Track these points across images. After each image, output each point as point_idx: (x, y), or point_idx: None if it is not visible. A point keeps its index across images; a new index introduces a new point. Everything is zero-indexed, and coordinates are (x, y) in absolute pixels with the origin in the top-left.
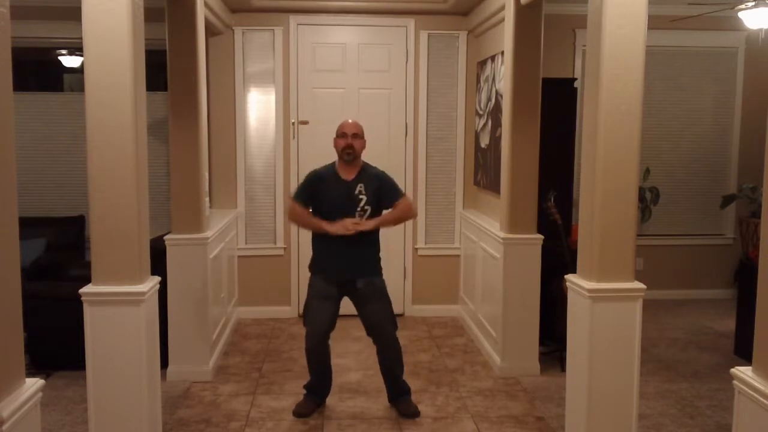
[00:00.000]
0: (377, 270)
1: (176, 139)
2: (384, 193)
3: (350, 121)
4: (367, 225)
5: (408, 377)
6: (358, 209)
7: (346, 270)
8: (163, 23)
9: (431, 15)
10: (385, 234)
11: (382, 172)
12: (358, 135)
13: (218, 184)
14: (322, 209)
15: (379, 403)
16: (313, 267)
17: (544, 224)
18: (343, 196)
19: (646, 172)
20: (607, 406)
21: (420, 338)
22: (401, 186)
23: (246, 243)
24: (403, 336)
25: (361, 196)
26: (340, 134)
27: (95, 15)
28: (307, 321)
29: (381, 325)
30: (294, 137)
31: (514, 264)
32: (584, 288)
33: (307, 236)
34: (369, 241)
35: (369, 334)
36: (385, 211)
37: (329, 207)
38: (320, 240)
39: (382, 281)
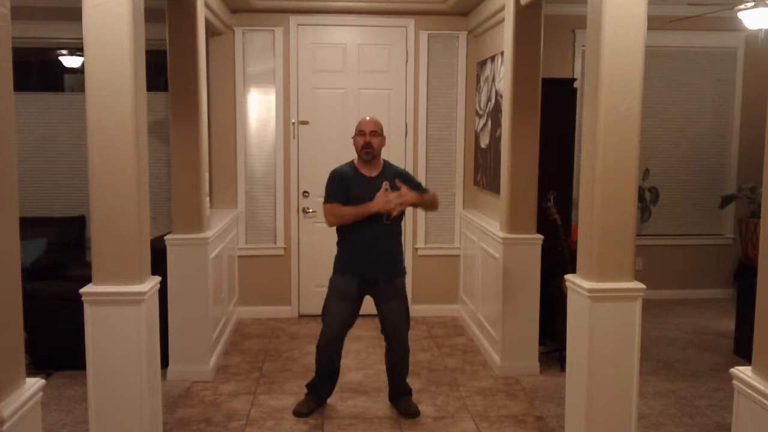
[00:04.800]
0: (402, 270)
1: (176, 139)
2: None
3: (368, 118)
4: (410, 196)
5: (408, 377)
6: None
7: (374, 269)
8: (163, 23)
9: (431, 15)
10: None
11: (404, 169)
12: (377, 132)
13: (218, 184)
14: None
15: (379, 402)
16: (336, 265)
17: (544, 224)
18: (371, 194)
19: (646, 172)
20: (607, 405)
21: (420, 338)
22: None
23: (246, 243)
24: None
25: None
26: (359, 132)
27: (95, 15)
28: (324, 319)
29: (395, 322)
30: (294, 137)
31: (514, 264)
32: (584, 288)
33: (307, 237)
34: (398, 236)
35: (383, 330)
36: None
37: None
38: (350, 239)
39: (403, 281)
